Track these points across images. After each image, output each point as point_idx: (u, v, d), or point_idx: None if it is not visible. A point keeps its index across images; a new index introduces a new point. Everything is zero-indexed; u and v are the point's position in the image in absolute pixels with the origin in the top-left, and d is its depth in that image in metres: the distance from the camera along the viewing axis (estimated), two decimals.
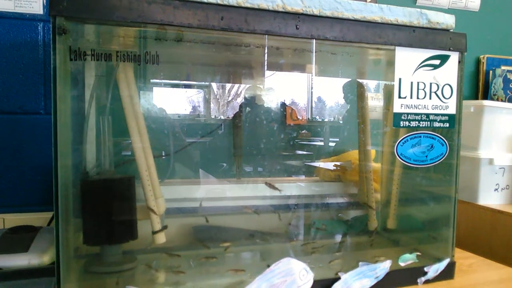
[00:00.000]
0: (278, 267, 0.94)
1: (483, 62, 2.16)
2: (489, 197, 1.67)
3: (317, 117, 1.69)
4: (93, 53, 0.87)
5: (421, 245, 1.23)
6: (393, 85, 1.07)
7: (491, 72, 2.15)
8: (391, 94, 1.33)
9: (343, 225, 1.42)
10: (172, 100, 1.60)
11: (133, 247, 1.11)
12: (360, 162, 1.39)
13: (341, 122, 1.71)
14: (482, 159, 1.65)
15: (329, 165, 1.57)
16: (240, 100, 1.59)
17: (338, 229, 1.39)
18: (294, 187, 1.50)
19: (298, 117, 1.61)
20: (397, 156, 1.06)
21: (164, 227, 1.10)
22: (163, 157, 1.37)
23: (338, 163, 1.54)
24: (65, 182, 0.87)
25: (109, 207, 1.08)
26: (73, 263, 1.12)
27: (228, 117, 1.62)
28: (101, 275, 1.07)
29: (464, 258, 1.29)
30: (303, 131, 1.66)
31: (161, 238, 1.10)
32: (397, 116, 1.07)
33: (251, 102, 1.57)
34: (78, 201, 1.07)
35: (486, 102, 1.68)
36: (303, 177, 1.57)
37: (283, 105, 1.61)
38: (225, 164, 1.56)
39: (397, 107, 1.06)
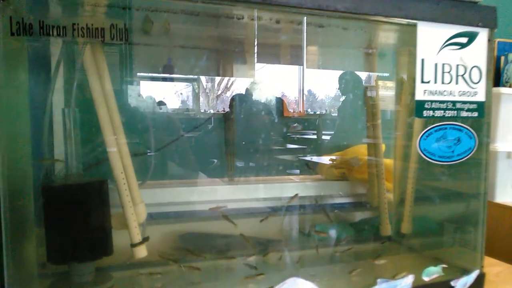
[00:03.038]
0: None
1: (494, 47, 2.01)
2: (507, 194, 1.52)
3: (317, 110, 1.53)
4: (41, 25, 0.69)
5: (441, 253, 1.08)
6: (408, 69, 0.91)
7: (502, 57, 2.01)
8: (404, 81, 1.17)
9: (349, 229, 1.27)
10: (157, 93, 1.41)
11: (108, 263, 0.98)
12: (369, 158, 1.23)
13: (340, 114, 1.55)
14: (499, 152, 1.51)
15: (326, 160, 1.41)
16: (230, 92, 1.40)
17: (344, 234, 1.23)
18: (294, 187, 1.33)
19: (296, 109, 1.45)
20: (420, 152, 0.90)
21: (145, 239, 0.98)
22: (144, 155, 1.20)
23: (334, 158, 1.38)
24: (13, 188, 0.69)
25: (77, 217, 0.90)
26: (35, 284, 0.94)
27: (218, 111, 1.44)
28: None
29: (489, 266, 1.14)
30: (300, 125, 1.49)
31: (141, 252, 0.96)
32: (420, 105, 0.91)
33: (244, 93, 1.40)
34: (39, 210, 0.90)
35: (504, 90, 1.53)
36: (303, 175, 1.40)
37: (279, 99, 1.45)
38: (215, 161, 1.39)
39: (419, 94, 0.91)
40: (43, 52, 0.98)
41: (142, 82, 1.34)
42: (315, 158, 1.50)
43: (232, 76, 1.40)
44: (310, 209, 1.33)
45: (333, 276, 1.01)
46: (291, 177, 1.40)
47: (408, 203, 1.18)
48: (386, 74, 1.27)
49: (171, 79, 1.39)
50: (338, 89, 1.53)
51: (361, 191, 1.33)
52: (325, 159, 1.40)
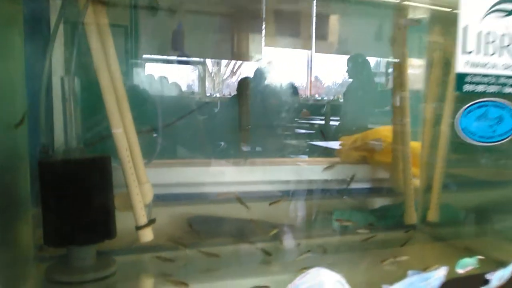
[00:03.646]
0: (305, 281, 0.70)
1: None
2: None
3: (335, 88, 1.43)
4: None
5: (473, 243, 1.00)
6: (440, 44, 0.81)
7: None
8: (434, 58, 1.06)
9: (370, 216, 1.18)
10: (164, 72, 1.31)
11: (111, 247, 0.92)
12: (394, 140, 1.14)
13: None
14: None
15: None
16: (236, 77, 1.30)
17: (364, 221, 1.14)
18: (310, 170, 1.24)
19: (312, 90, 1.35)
20: (459, 131, 0.81)
21: (151, 221, 0.90)
22: (150, 132, 1.11)
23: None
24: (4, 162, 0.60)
25: (77, 196, 0.82)
26: (31, 268, 0.87)
27: (224, 95, 1.33)
28: (67, 286, 0.82)
29: None
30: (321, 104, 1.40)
31: (147, 235, 0.89)
32: (460, 78, 0.81)
33: (258, 74, 1.30)
34: (37, 188, 0.82)
35: None
36: (321, 158, 1.31)
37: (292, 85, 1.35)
38: (222, 144, 1.30)
39: (460, 66, 0.81)
40: (40, 14, 0.89)
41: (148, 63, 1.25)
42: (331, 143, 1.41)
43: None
44: (327, 194, 1.24)
45: (354, 266, 0.92)
46: (306, 159, 1.31)
47: (435, 189, 1.09)
48: (415, 51, 1.17)
49: (178, 62, 1.29)
50: (347, 71, 1.42)
51: (383, 175, 1.23)
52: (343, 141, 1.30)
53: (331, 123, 1.66)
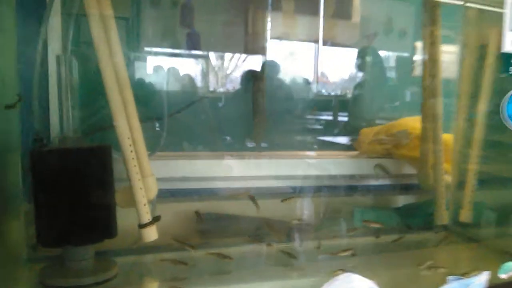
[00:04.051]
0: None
1: None
2: None
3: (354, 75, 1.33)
4: None
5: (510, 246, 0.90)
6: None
7: None
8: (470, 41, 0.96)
9: (395, 216, 1.10)
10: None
11: (111, 248, 0.85)
12: (424, 132, 1.04)
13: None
14: None
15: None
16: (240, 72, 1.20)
17: (389, 221, 1.05)
18: (327, 165, 1.15)
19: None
20: (506, 120, 0.72)
21: (156, 219, 0.83)
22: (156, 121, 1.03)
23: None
24: None
25: (74, 190, 0.74)
26: (22, 270, 0.79)
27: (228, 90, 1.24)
28: None
29: None
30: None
31: (151, 234, 0.82)
32: (507, 58, 0.72)
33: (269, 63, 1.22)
34: (29, 181, 0.74)
35: None
36: (338, 151, 1.22)
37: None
38: (228, 138, 1.21)
39: (507, 44, 0.71)
40: None
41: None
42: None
43: None
44: (349, 191, 1.16)
45: (385, 270, 0.84)
46: (324, 153, 1.23)
47: (469, 187, 1.00)
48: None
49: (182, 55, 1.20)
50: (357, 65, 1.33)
51: (409, 171, 1.14)
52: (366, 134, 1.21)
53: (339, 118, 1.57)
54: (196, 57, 1.16)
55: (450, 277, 0.73)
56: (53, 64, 0.87)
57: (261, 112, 1.11)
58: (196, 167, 1.05)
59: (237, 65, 1.18)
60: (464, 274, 0.76)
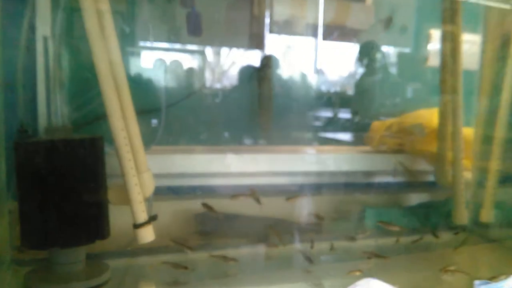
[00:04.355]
0: None
1: None
2: None
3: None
4: None
5: None
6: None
7: None
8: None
9: (408, 216, 1.03)
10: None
11: (103, 250, 0.81)
12: (441, 125, 0.98)
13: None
14: None
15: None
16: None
17: (403, 221, 0.99)
18: (334, 160, 1.09)
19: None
20: None
21: (153, 218, 0.78)
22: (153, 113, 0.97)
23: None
24: None
25: (62, 186, 0.68)
26: (6, 274, 0.73)
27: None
28: None
29: None
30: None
31: (147, 235, 0.77)
32: None
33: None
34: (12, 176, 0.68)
35: None
36: (347, 146, 1.16)
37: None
38: (231, 131, 1.14)
39: None
40: None
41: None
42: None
43: None
44: (358, 188, 1.09)
45: (405, 274, 0.78)
46: (331, 147, 1.16)
47: (490, 185, 0.93)
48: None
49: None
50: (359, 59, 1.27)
51: (424, 167, 1.08)
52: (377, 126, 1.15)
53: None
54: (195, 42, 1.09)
55: (477, 282, 0.67)
56: (41, 48, 0.81)
57: (267, 104, 1.04)
58: (195, 162, 0.98)
59: (241, 52, 1.11)
60: (492, 278, 0.70)
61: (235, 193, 0.94)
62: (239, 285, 0.80)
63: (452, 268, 0.78)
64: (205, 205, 0.90)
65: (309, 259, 0.86)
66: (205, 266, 0.88)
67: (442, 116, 0.98)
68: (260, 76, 1.03)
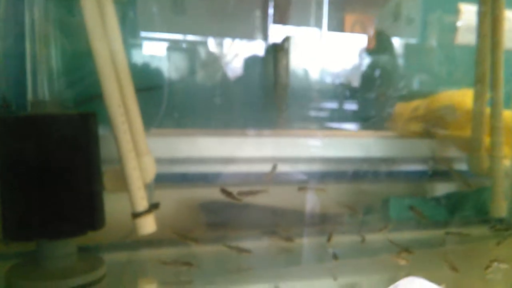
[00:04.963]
0: None
1: None
2: None
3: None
4: None
5: None
6: None
7: None
8: None
9: (437, 206, 0.95)
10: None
11: (98, 242, 0.75)
12: (477, 107, 0.89)
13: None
14: None
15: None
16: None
17: (433, 213, 0.91)
18: (354, 146, 1.01)
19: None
20: None
21: (154, 206, 0.71)
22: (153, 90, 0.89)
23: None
24: None
25: (49, 170, 0.59)
26: None
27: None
28: None
29: None
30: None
31: (148, 225, 0.70)
32: None
33: None
34: None
35: None
36: (368, 131, 1.07)
37: None
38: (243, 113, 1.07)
39: None
40: None
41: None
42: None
43: None
44: (381, 177, 1.01)
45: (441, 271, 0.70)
46: (352, 132, 1.08)
47: None
48: None
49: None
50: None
51: (456, 154, 0.99)
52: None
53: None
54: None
55: None
56: (29, 18, 0.73)
57: (283, 85, 0.96)
58: (204, 146, 0.90)
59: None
60: None
61: (242, 190, 0.85)
62: (252, 282, 0.73)
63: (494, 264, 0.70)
64: (224, 191, 0.81)
65: (335, 255, 0.78)
66: (211, 260, 0.80)
67: (478, 96, 0.89)
68: (278, 56, 0.96)
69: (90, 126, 0.64)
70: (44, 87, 0.66)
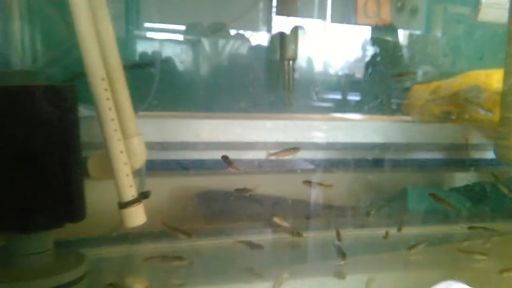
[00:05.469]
0: None
1: None
2: None
3: None
4: None
5: None
6: None
7: None
8: None
9: (460, 197, 0.88)
10: None
11: (79, 235, 0.68)
12: (506, 88, 0.81)
13: None
14: None
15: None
16: None
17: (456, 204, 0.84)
18: (367, 131, 0.93)
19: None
20: None
21: (144, 196, 0.64)
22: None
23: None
24: None
25: (20, 151, 0.51)
26: None
27: None
28: None
29: None
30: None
31: (137, 216, 0.63)
32: None
33: None
34: None
35: None
36: (381, 116, 0.99)
37: None
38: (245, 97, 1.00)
39: None
40: None
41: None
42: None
43: None
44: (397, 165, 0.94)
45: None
46: (362, 116, 1.00)
47: None
48: None
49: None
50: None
51: (481, 140, 0.92)
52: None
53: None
54: None
55: None
56: None
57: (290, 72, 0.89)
58: (203, 129, 0.82)
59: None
60: None
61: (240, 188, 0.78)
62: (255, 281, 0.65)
63: None
64: (225, 158, 0.73)
65: (342, 253, 0.70)
66: (208, 256, 0.73)
67: (508, 76, 0.81)
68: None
69: (69, 100, 0.55)
70: (15, 50, 0.58)
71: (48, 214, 0.55)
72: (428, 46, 1.12)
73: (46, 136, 0.55)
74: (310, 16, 1.03)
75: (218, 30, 0.98)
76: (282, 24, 0.96)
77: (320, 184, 0.81)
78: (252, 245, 0.72)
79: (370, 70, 1.04)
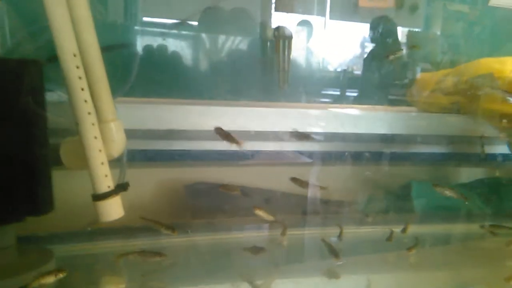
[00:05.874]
0: None
1: None
2: None
3: None
4: None
5: None
6: None
7: None
8: None
9: (468, 194, 0.82)
10: None
11: (46, 230, 0.62)
12: None
13: None
14: None
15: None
16: None
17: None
18: (368, 120, 0.87)
19: None
20: None
21: (121, 187, 0.58)
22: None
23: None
24: None
25: None
26: None
27: None
28: None
29: None
30: None
31: (113, 210, 0.57)
32: None
33: None
34: None
35: None
36: (382, 106, 0.94)
37: None
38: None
39: None
40: None
41: None
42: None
43: None
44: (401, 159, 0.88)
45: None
46: (364, 106, 0.94)
47: None
48: None
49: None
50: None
51: (492, 132, 0.86)
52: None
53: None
54: None
55: None
56: None
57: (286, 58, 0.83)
58: (186, 117, 0.76)
59: None
60: None
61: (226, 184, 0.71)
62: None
63: None
64: (219, 130, 0.65)
65: (336, 253, 0.65)
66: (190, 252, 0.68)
67: None
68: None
69: (33, 77, 0.49)
70: None
71: (5, 207, 0.49)
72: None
73: (10, 116, 0.48)
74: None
75: None
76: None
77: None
78: (256, 250, 0.66)
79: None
